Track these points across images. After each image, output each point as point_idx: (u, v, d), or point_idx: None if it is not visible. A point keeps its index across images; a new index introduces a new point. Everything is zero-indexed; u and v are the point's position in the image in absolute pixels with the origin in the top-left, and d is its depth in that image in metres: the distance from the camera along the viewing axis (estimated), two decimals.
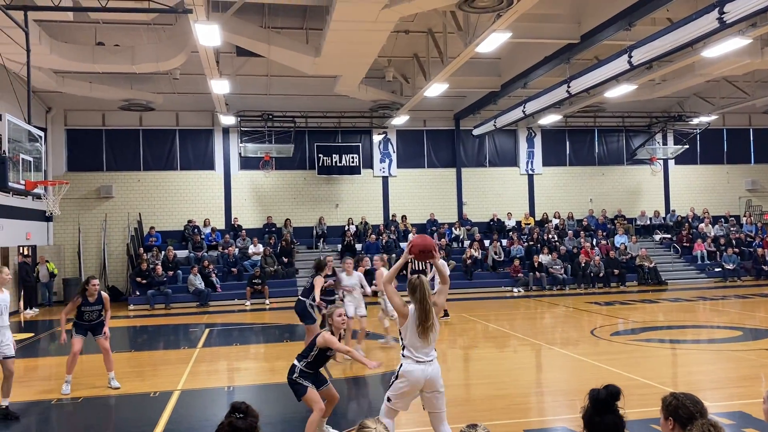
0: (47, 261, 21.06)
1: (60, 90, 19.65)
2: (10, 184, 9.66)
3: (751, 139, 28.86)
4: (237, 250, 22.88)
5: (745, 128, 28.69)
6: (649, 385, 8.41)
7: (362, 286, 11.30)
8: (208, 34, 12.84)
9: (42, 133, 11.56)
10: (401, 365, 5.42)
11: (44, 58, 15.45)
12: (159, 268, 20.83)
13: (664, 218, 27.38)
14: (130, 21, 16.59)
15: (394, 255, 22.93)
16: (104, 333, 9.18)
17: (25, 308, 19.75)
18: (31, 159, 10.66)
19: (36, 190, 10.88)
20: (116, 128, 23.92)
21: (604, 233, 25.56)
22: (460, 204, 26.30)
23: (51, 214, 12.60)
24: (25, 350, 13.32)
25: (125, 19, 16.37)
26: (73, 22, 16.03)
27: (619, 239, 24.90)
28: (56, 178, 21.94)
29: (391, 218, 25.50)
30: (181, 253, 22.60)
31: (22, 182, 10.23)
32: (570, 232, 25.38)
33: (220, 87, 17.88)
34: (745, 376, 9.18)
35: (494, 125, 23.39)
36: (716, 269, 24.07)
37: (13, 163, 9.79)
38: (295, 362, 6.35)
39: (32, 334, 15.52)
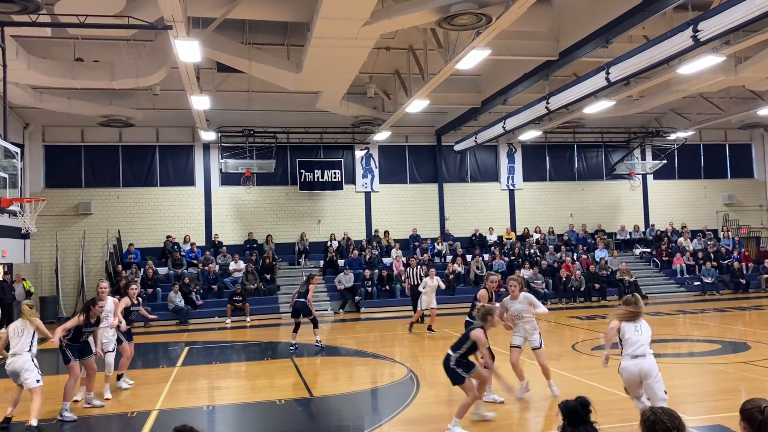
0: (23, 279, 20.70)
1: (38, 106, 19.45)
2: None
3: (727, 154, 29.35)
4: (217, 267, 22.67)
5: (721, 143, 29.18)
6: (628, 400, 8.41)
7: (533, 306, 8.84)
8: (189, 50, 12.80)
9: (19, 150, 11.43)
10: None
11: (22, 73, 15.31)
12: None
13: (644, 232, 27.67)
14: (110, 37, 16.50)
15: (377, 270, 22.92)
16: (97, 353, 9.05)
17: (0, 327, 19.33)
18: (7, 176, 10.53)
19: (12, 207, 10.73)
20: (95, 144, 23.70)
21: (585, 248, 25.74)
22: (442, 219, 26.37)
23: (27, 231, 12.41)
24: (1, 370, 13.03)
25: (104, 35, 16.28)
26: (52, 37, 15.91)
27: (600, 253, 25.09)
28: (34, 194, 21.65)
29: (373, 234, 25.48)
30: (161, 270, 22.36)
31: None
32: (551, 246, 25.53)
33: (200, 103, 17.81)
34: (724, 389, 9.25)
35: (475, 141, 23.55)
36: (695, 283, 24.33)
37: None
38: (450, 352, 7.21)
39: (7, 354, 15.17)
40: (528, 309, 8.79)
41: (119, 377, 10.32)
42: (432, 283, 16.75)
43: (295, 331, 13.97)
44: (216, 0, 13.54)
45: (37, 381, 8.05)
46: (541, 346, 8.89)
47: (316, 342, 14.03)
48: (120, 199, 23.86)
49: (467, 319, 9.19)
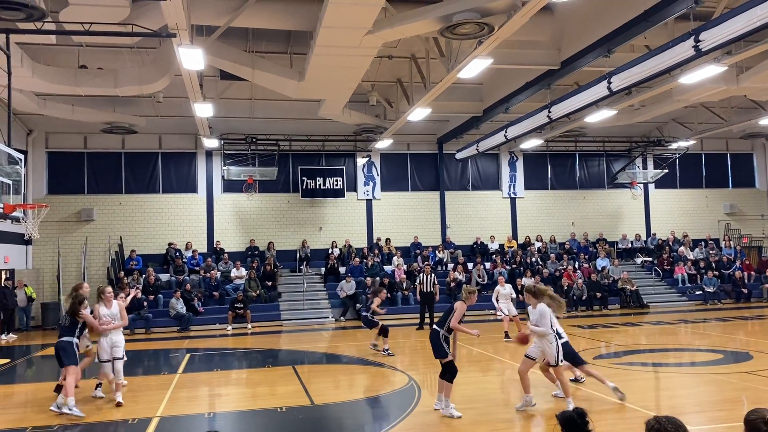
0: (25, 285, 20.73)
1: (41, 112, 19.52)
2: None
3: (729, 163, 29.39)
4: (219, 273, 22.68)
5: (723, 153, 29.22)
6: (632, 409, 8.42)
7: (540, 321, 8.66)
8: (192, 57, 12.87)
9: (22, 156, 11.47)
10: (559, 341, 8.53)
11: (26, 80, 15.37)
12: (139, 292, 20.54)
13: (645, 241, 27.66)
14: (114, 44, 16.57)
15: (378, 278, 22.90)
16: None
17: (1, 333, 19.36)
18: (11, 182, 10.57)
19: (15, 214, 10.76)
20: (98, 151, 23.77)
21: (587, 256, 25.72)
22: (443, 227, 26.38)
23: (30, 237, 12.44)
24: (1, 377, 13.05)
25: (108, 43, 16.35)
26: (56, 45, 16.00)
27: (601, 262, 25.07)
28: (36, 201, 21.68)
29: (375, 241, 25.49)
30: (163, 277, 22.37)
31: (1, 205, 10.11)
32: (552, 255, 25.51)
33: (203, 110, 17.87)
34: (727, 399, 9.23)
35: (477, 149, 23.58)
36: (697, 292, 24.29)
37: None
38: (436, 327, 8.66)
39: (8, 360, 15.20)
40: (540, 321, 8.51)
41: (99, 385, 10.39)
42: (504, 290, 16.69)
43: (380, 334, 13.89)
44: (220, 8, 13.62)
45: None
46: (557, 364, 8.46)
47: (372, 344, 14.07)
48: (122, 206, 23.90)
49: (434, 327, 8.80)
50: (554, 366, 8.53)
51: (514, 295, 17.39)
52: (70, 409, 8.71)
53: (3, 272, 20.61)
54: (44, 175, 23.39)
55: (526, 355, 8.77)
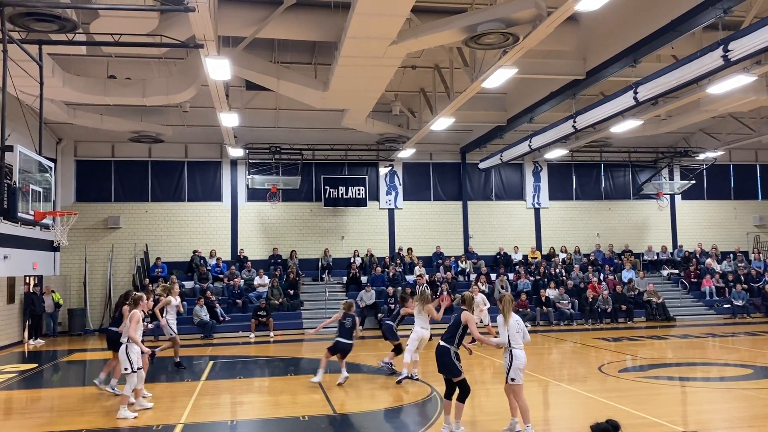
0: (53, 291, 21.08)
1: (71, 122, 19.90)
2: (19, 214, 9.73)
3: (758, 174, 28.86)
4: (242, 281, 22.83)
5: (752, 164, 28.72)
6: (658, 424, 8.26)
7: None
8: (219, 68, 13.04)
9: (52, 164, 11.68)
10: (513, 354, 7.81)
11: (57, 90, 15.69)
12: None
13: (672, 253, 27.24)
14: (142, 55, 16.86)
15: (399, 288, 22.84)
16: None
17: (29, 338, 19.70)
18: (41, 189, 10.77)
19: (44, 221, 10.95)
20: (125, 159, 24.14)
21: (612, 268, 25.41)
22: (466, 237, 26.28)
23: (58, 244, 12.66)
24: (28, 381, 13.25)
25: (137, 53, 16.64)
26: (86, 55, 16.32)
27: (627, 274, 24.74)
28: (65, 208, 22.06)
29: (397, 251, 25.47)
30: (188, 284, 22.57)
31: (31, 212, 10.31)
32: (577, 266, 25.25)
33: (229, 120, 18.07)
34: (757, 415, 9.01)
35: (500, 159, 23.49)
36: (725, 306, 23.83)
37: (23, 194, 9.88)
38: (445, 344, 8.01)
39: (36, 365, 15.44)
40: (513, 335, 7.91)
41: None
42: (477, 299, 16.29)
43: (394, 351, 12.98)
44: (246, 19, 13.80)
45: (125, 369, 9.54)
46: (506, 380, 7.88)
47: (385, 362, 12.93)
48: (148, 214, 24.22)
49: (442, 343, 8.08)
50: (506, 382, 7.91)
51: (486, 305, 17.64)
52: (112, 389, 10.19)
53: (31, 278, 20.98)
54: (72, 182, 23.80)
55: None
